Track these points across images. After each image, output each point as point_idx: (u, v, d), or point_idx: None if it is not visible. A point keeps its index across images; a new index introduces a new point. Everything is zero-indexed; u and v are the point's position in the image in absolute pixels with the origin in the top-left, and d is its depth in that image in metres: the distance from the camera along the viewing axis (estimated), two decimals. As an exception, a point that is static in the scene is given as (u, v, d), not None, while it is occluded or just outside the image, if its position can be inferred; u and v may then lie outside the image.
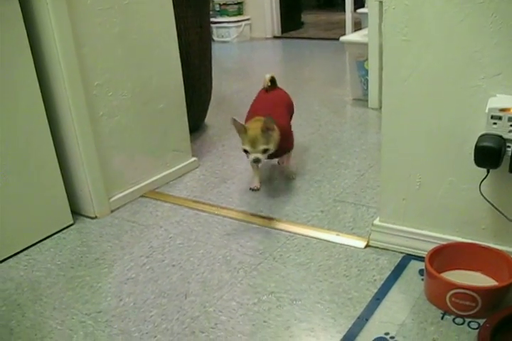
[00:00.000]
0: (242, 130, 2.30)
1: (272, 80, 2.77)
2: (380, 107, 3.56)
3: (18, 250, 2.18)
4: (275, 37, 6.96)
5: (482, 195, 1.72)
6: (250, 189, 2.58)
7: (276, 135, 2.35)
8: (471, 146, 1.64)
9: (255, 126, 2.30)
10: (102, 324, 1.73)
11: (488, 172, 1.68)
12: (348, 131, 3.36)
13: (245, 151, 2.31)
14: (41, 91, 2.15)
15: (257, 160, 2.29)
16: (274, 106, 2.59)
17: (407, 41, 1.70)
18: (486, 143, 1.58)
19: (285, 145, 2.49)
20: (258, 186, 2.58)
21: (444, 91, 1.70)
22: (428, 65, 1.69)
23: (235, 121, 2.29)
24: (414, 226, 1.95)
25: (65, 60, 2.12)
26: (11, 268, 2.08)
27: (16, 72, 2.04)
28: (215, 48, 3.37)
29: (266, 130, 2.28)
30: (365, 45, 3.60)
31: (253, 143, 2.26)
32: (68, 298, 1.88)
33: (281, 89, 2.84)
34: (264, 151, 2.29)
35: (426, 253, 1.78)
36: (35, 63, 2.10)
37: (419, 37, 1.67)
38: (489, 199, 1.73)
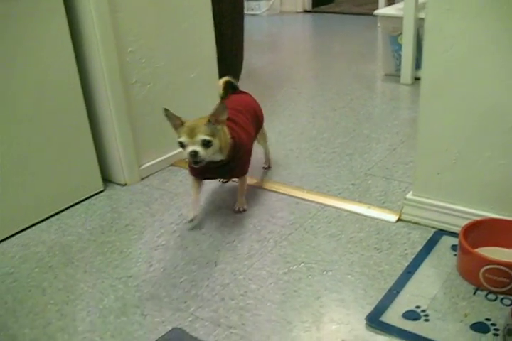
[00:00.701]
0: (177, 123, 1.85)
1: (231, 85, 2.24)
2: (413, 83, 3.53)
3: (50, 214, 2.20)
4: (306, 11, 6.85)
5: (521, 170, 1.69)
6: (191, 220, 2.05)
7: (226, 136, 1.92)
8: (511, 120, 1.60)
9: (197, 119, 1.88)
10: (133, 288, 1.75)
11: (528, 147, 1.64)
12: (379, 106, 3.32)
13: (181, 145, 1.82)
14: (75, 57, 2.14)
15: (194, 155, 1.79)
16: (236, 114, 2.08)
17: (451, 10, 1.65)
18: (528, 117, 1.55)
19: (238, 165, 2.06)
20: (194, 215, 2.04)
21: (487, 62, 1.65)
22: (472, 35, 1.64)
23: (167, 112, 1.84)
24: (448, 201, 1.92)
25: (99, 25, 2.11)
26: (43, 232, 2.10)
27: (51, 36, 2.04)
28: (245, 22, 3.33)
29: (213, 121, 1.84)
30: (399, 18, 3.52)
31: (191, 132, 1.80)
32: (99, 262, 1.90)
33: (247, 94, 2.33)
34: (205, 144, 1.80)
35: (459, 229, 1.76)
36: (70, 27, 2.09)
37: (463, 6, 1.62)
38: (528, 175, 1.69)
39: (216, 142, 1.83)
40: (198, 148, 1.79)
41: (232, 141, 1.95)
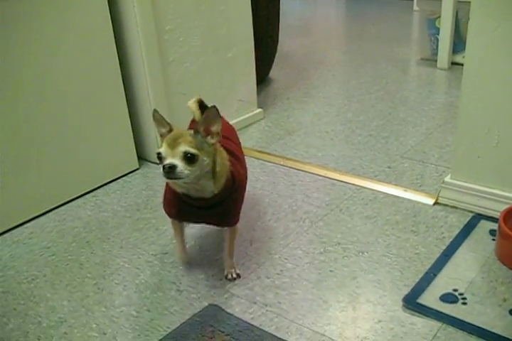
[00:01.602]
0: (165, 130, 1.45)
1: (202, 104, 1.70)
2: (449, 68, 3.47)
3: (86, 191, 2.22)
4: (340, -6, 6.77)
5: None
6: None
7: (223, 157, 1.51)
8: (558, 102, 1.56)
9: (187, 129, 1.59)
10: (168, 265, 1.76)
11: None
12: (415, 90, 3.27)
13: (158, 157, 1.39)
14: (114, 34, 2.14)
15: (169, 171, 1.34)
16: (227, 142, 1.65)
17: (498, -10, 1.61)
18: None
19: (232, 209, 1.60)
20: (185, 257, 1.75)
21: (534, 44, 1.62)
22: (519, 16, 1.61)
23: (156, 114, 1.45)
24: (487, 185, 1.89)
25: (138, 2, 2.10)
26: (79, 208, 2.12)
27: (90, 13, 2.04)
28: (280, 4, 3.30)
29: (202, 132, 1.41)
30: (438, 1, 3.46)
31: (173, 142, 1.38)
32: (135, 238, 1.91)
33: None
34: (188, 158, 1.36)
35: (497, 213, 1.73)
36: (109, 4, 2.09)
37: (512, -15, 1.59)
38: None
39: (204, 159, 1.39)
40: (177, 162, 1.35)
41: (230, 174, 1.52)
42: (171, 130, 1.43)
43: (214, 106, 1.41)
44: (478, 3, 1.67)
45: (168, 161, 1.35)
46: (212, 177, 1.45)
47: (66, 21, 1.97)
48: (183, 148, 1.36)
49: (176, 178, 1.36)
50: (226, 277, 1.68)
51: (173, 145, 1.37)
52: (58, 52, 1.98)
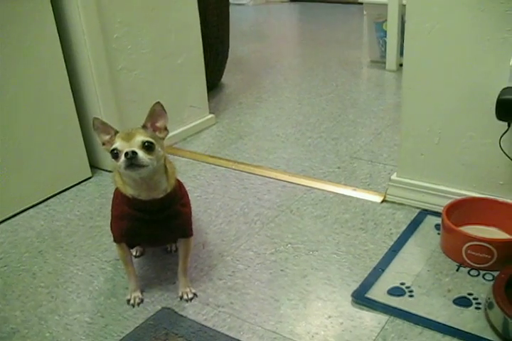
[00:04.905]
0: (110, 134, 1.43)
1: None
2: (398, 69, 3.56)
3: (38, 201, 2.21)
4: (291, 0, 6.86)
5: (502, 149, 1.71)
6: (128, 301, 1.63)
7: (169, 161, 1.54)
8: (492, 100, 1.62)
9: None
10: (122, 271, 1.76)
11: (509, 126, 1.67)
12: (365, 92, 3.34)
13: (114, 154, 1.37)
14: (61, 44, 2.14)
15: (133, 155, 1.33)
16: None
17: (432, -8, 1.68)
18: (508, 96, 1.58)
19: (185, 216, 1.58)
20: (139, 296, 1.64)
21: (468, 44, 1.68)
22: (453, 17, 1.67)
23: (96, 120, 1.44)
24: (431, 181, 1.95)
25: (84, 10, 2.11)
26: (32, 218, 2.11)
27: (36, 24, 2.04)
28: (231, 11, 3.34)
29: (149, 127, 1.46)
30: (384, 5, 3.54)
31: (127, 136, 1.38)
32: (88, 246, 1.92)
33: None
34: (146, 146, 1.37)
35: (442, 208, 1.79)
36: (54, 13, 2.10)
37: (444, -13, 1.65)
38: (509, 155, 1.72)
39: (159, 150, 1.41)
40: (137, 149, 1.35)
41: (177, 182, 1.55)
42: (115, 132, 1.43)
43: (158, 102, 1.45)
44: (413, 4, 1.73)
45: (128, 149, 1.34)
46: (165, 173, 1.47)
47: (10, 31, 1.96)
48: (140, 137, 1.37)
49: (138, 165, 1.35)
50: (181, 298, 1.62)
51: (128, 138, 1.38)
52: (5, 63, 1.97)
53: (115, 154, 1.37)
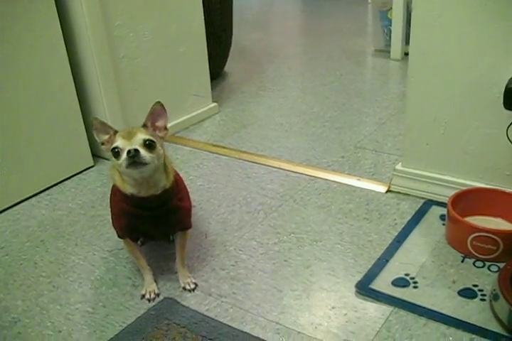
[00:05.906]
0: (110, 134, 1.43)
1: None
2: (403, 58, 3.52)
3: (40, 190, 2.20)
4: (295, -12, 6.79)
5: (509, 139, 1.69)
6: (142, 296, 1.60)
7: (168, 160, 1.52)
8: (499, 89, 1.60)
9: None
10: (124, 260, 1.76)
11: (516, 115, 1.65)
12: (369, 81, 3.32)
13: (115, 152, 1.37)
14: (62, 31, 2.12)
15: (136, 153, 1.33)
16: None
17: (439, -21, 1.65)
18: (516, 85, 1.55)
19: (184, 210, 1.57)
20: (154, 290, 1.61)
21: (475, 32, 1.65)
22: (460, 5, 1.64)
23: (95, 120, 1.45)
24: (436, 171, 1.93)
25: (86, -2, 2.09)
26: (33, 207, 2.10)
27: (38, 12, 2.01)
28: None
29: (151, 126, 1.46)
30: (390, -7, 3.51)
31: (128, 135, 1.38)
32: (90, 235, 1.90)
33: None
34: (147, 144, 1.37)
35: (447, 199, 1.77)
36: (56, 2, 2.07)
37: (451, -26, 1.62)
38: (516, 144, 1.70)
39: (160, 148, 1.42)
40: (138, 147, 1.35)
41: (175, 175, 1.54)
42: (115, 131, 1.43)
43: (159, 102, 1.45)
44: (420, -8, 1.71)
45: (130, 148, 1.34)
46: (164, 171, 1.47)
47: (11, 19, 1.94)
48: (141, 136, 1.38)
49: (140, 163, 1.35)
50: (184, 289, 1.61)
51: (129, 136, 1.37)
52: (7, 51, 1.95)
53: (116, 152, 1.37)
